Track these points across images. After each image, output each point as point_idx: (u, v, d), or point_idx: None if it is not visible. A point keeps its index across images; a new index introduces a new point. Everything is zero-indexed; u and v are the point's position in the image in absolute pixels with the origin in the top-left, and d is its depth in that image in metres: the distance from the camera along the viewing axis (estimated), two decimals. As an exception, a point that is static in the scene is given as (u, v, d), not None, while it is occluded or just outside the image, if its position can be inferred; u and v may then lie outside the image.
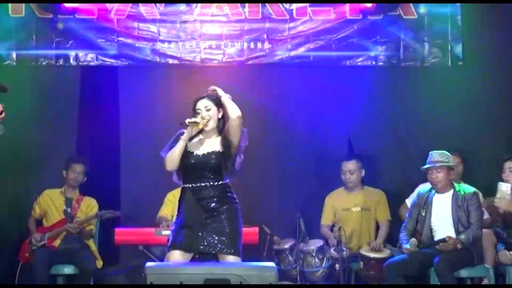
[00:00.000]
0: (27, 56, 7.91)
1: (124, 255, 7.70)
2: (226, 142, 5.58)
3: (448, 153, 6.88)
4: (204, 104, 5.64)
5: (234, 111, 5.55)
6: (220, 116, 5.66)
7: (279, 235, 7.32)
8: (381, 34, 8.05)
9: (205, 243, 5.53)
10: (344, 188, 7.71)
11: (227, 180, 5.64)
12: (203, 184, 5.57)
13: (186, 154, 5.61)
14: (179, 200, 5.71)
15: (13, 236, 7.64)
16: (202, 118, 5.61)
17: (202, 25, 8.02)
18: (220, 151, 5.59)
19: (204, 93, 5.70)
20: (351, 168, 7.56)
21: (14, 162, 7.72)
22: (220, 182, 5.60)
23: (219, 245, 5.52)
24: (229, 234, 5.55)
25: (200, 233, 5.54)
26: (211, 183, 5.58)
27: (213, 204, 5.57)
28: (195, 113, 5.64)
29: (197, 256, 5.64)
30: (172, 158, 5.57)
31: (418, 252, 6.76)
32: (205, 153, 5.60)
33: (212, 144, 5.63)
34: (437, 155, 6.83)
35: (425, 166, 6.85)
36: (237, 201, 5.66)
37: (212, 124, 5.63)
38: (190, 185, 5.60)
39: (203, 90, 5.79)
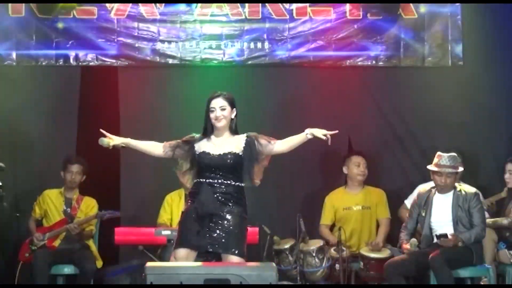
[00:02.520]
0: (27, 56, 7.92)
1: (124, 255, 7.71)
2: (252, 153, 5.64)
3: (457, 156, 6.85)
4: (219, 104, 5.66)
5: (292, 147, 5.76)
6: (233, 116, 5.70)
7: (279, 235, 7.31)
8: (381, 34, 8.05)
9: (213, 242, 5.54)
10: (345, 187, 7.71)
11: (243, 184, 5.65)
12: (219, 181, 5.59)
13: (201, 154, 5.63)
14: (190, 193, 5.69)
15: (13, 236, 7.64)
16: (216, 117, 5.63)
17: (202, 25, 8.03)
18: (239, 153, 5.62)
19: (216, 93, 5.73)
20: (364, 161, 7.57)
21: (14, 162, 7.73)
22: (236, 183, 5.62)
23: (226, 245, 5.53)
24: (237, 235, 5.56)
25: (208, 231, 5.54)
26: (228, 182, 5.60)
27: (227, 200, 5.57)
28: (209, 111, 5.66)
29: (202, 257, 5.68)
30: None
31: (418, 252, 6.76)
32: (221, 153, 5.62)
33: (227, 144, 5.65)
34: (447, 160, 6.76)
35: (435, 169, 6.79)
36: (247, 208, 5.68)
37: (224, 123, 5.65)
38: (207, 180, 5.60)
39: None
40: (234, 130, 5.71)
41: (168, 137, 5.86)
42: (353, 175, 7.63)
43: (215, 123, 5.65)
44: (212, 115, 5.65)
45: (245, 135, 5.70)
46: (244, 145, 5.64)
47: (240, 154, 5.62)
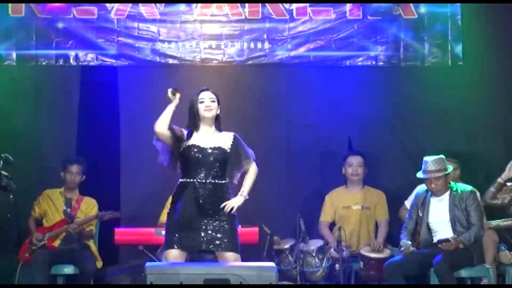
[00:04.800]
0: (27, 56, 7.91)
1: (124, 255, 7.70)
2: (239, 151, 5.71)
3: (443, 157, 6.82)
4: (209, 96, 5.74)
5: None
6: (218, 112, 5.74)
7: (279, 235, 7.31)
8: (381, 34, 8.05)
9: (205, 242, 5.56)
10: (345, 187, 7.71)
11: (228, 180, 5.68)
12: (207, 180, 5.60)
13: (189, 147, 5.63)
14: (175, 195, 5.69)
15: (13, 236, 7.63)
16: (206, 107, 5.68)
17: (202, 25, 8.03)
18: (226, 150, 5.65)
19: (203, 87, 5.81)
20: (359, 161, 7.57)
21: (14, 162, 7.72)
22: (222, 181, 5.64)
23: (219, 243, 5.54)
24: (229, 232, 5.59)
25: (198, 232, 5.55)
26: (214, 181, 5.61)
27: (213, 203, 5.60)
28: (198, 103, 5.70)
29: (195, 254, 5.69)
30: (162, 119, 5.59)
31: (418, 252, 6.76)
32: (211, 147, 5.64)
33: (215, 140, 5.68)
34: (432, 164, 6.73)
35: (421, 177, 6.78)
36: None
37: (213, 114, 5.70)
38: (192, 180, 5.60)
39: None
40: (219, 127, 5.76)
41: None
42: (347, 175, 7.64)
43: (204, 113, 5.69)
44: (201, 106, 5.70)
45: (232, 133, 5.75)
46: (231, 143, 5.69)
47: (228, 150, 5.67)
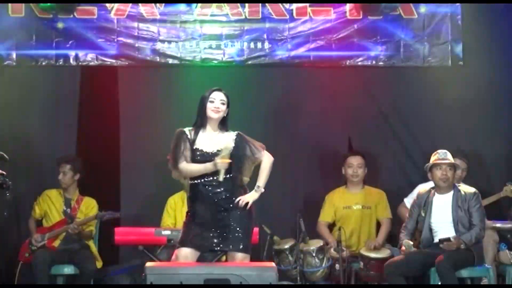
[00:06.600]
0: (27, 56, 7.91)
1: (124, 255, 7.70)
2: (241, 151, 5.68)
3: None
4: (220, 97, 5.72)
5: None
6: (226, 114, 5.73)
7: (279, 235, 7.31)
8: (381, 34, 8.05)
9: (216, 242, 5.57)
10: (345, 187, 7.71)
11: (236, 174, 5.67)
12: (213, 178, 5.59)
13: (194, 151, 5.64)
14: (189, 196, 5.71)
15: (13, 236, 7.64)
16: (215, 108, 5.65)
17: (202, 25, 8.03)
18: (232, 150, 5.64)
19: (216, 87, 5.79)
20: (359, 162, 7.57)
21: (14, 162, 7.72)
22: (230, 175, 5.62)
23: (228, 243, 5.55)
24: (239, 231, 5.58)
25: (211, 231, 5.57)
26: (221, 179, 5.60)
27: (224, 199, 5.59)
28: (208, 102, 5.68)
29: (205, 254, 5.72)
30: (190, 173, 5.62)
31: (418, 252, 6.76)
32: (214, 151, 5.63)
33: (218, 142, 5.67)
34: (445, 154, 6.81)
35: (438, 162, 6.79)
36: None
37: (220, 115, 5.69)
38: (201, 180, 5.61)
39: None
40: (225, 128, 5.75)
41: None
42: (347, 176, 7.63)
43: (211, 113, 5.68)
44: (210, 105, 5.68)
45: (234, 133, 5.74)
46: (233, 144, 5.68)
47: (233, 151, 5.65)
